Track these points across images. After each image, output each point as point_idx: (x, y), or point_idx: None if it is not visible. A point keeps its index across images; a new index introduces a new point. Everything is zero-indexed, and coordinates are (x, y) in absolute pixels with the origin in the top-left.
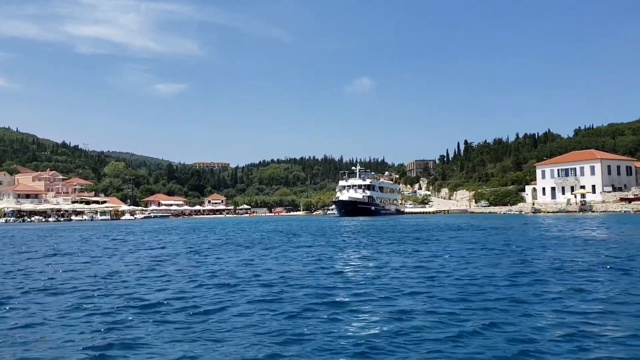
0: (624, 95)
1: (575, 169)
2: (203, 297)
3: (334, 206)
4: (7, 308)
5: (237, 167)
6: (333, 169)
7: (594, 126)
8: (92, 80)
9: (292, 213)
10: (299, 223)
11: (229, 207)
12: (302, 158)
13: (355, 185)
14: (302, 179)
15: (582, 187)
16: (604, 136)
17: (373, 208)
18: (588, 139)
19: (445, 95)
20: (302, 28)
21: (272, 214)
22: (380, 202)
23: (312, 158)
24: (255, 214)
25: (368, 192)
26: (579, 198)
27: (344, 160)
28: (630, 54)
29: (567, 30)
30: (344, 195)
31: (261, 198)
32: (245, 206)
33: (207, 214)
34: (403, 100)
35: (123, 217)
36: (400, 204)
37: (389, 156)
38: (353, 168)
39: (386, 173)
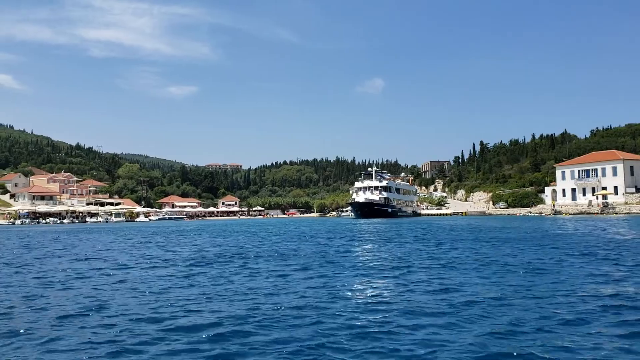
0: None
1: (596, 169)
2: None
3: (349, 208)
4: None
5: (249, 169)
6: (345, 171)
7: (612, 127)
8: (104, 82)
9: (305, 215)
10: (330, 226)
11: (242, 209)
12: (314, 160)
13: (372, 187)
14: (315, 181)
15: (604, 188)
16: (623, 136)
17: (390, 210)
18: (607, 140)
19: (458, 95)
20: (313, 29)
21: (286, 216)
22: (397, 203)
23: (324, 160)
24: (268, 215)
25: (385, 194)
26: (600, 200)
27: (357, 162)
28: None
29: (582, 29)
30: (360, 197)
31: (274, 200)
32: (259, 208)
33: (220, 216)
34: (416, 101)
35: (137, 219)
36: (417, 205)
37: (402, 157)
38: (369, 169)
39: (402, 174)
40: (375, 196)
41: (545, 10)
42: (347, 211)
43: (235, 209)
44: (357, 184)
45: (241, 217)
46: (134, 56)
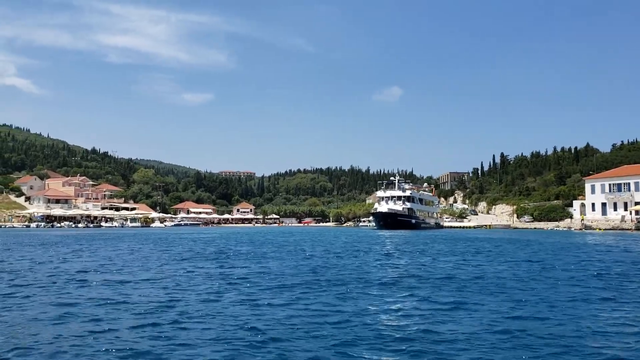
0: None
1: (629, 183)
2: None
3: (367, 218)
4: None
5: (262, 177)
6: (360, 180)
7: (638, 140)
8: (121, 88)
9: (321, 224)
10: (371, 239)
11: (257, 217)
12: (328, 168)
13: (395, 197)
14: (329, 190)
15: (637, 203)
16: None
17: (414, 221)
18: (634, 154)
19: (476, 105)
20: (329, 37)
21: (302, 224)
22: (420, 214)
23: (338, 169)
24: (284, 224)
25: (408, 204)
26: (634, 215)
27: (371, 172)
28: None
29: (601, 40)
30: (382, 207)
31: (290, 208)
32: (274, 215)
33: (235, 223)
34: (434, 110)
35: (153, 225)
36: (439, 217)
37: (417, 168)
38: (392, 178)
39: (424, 184)
40: (398, 206)
41: (567, 22)
42: (364, 221)
43: (251, 216)
44: (380, 193)
45: (256, 224)
46: (151, 63)
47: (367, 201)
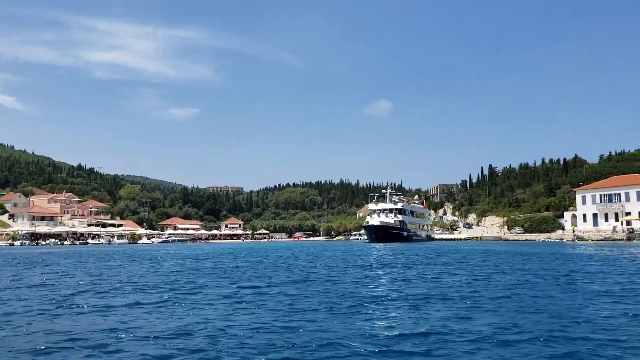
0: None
1: (619, 194)
2: None
3: (362, 231)
4: None
5: (251, 191)
6: (350, 194)
7: (625, 151)
8: (107, 104)
9: (312, 238)
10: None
11: (246, 232)
12: (318, 182)
13: (387, 209)
14: (319, 204)
15: (628, 213)
16: (638, 161)
17: (405, 234)
18: (623, 164)
19: (464, 118)
20: (317, 52)
21: (292, 239)
22: (412, 227)
23: (328, 182)
24: (274, 239)
25: (400, 217)
26: (625, 225)
27: (361, 185)
28: None
29: (589, 53)
30: (374, 220)
31: (280, 222)
32: (264, 231)
33: (224, 239)
34: (422, 123)
35: (140, 241)
36: (429, 229)
37: (406, 180)
38: (383, 191)
39: (415, 197)
40: (390, 219)
41: (553, 36)
42: (355, 234)
43: (239, 232)
44: (371, 206)
45: (245, 240)
46: (138, 78)
47: (358, 214)
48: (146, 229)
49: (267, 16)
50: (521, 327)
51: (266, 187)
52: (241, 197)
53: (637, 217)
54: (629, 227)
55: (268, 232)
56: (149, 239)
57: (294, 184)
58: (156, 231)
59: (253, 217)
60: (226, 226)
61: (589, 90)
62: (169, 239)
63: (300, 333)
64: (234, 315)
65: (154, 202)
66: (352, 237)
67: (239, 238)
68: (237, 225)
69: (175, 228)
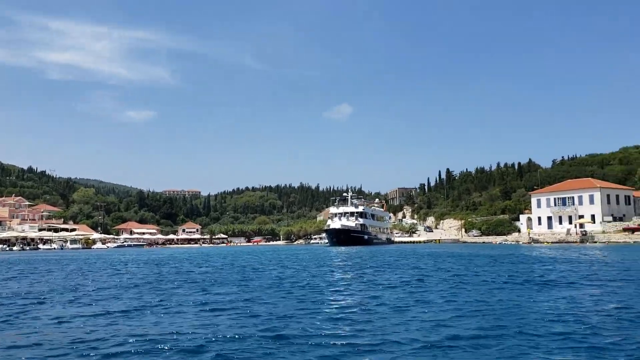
0: (583, 127)
1: (573, 197)
2: None
3: (322, 235)
4: None
5: (209, 195)
6: (310, 197)
7: (577, 156)
8: (60, 105)
9: (271, 242)
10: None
11: (204, 236)
12: (277, 186)
13: (348, 213)
14: (279, 208)
15: (581, 216)
16: (590, 165)
17: (366, 237)
18: (575, 169)
19: (423, 122)
20: (279, 54)
21: (251, 244)
22: (373, 230)
23: (288, 186)
24: (232, 243)
25: (361, 220)
26: (578, 228)
27: (321, 188)
28: (601, 93)
29: (538, 59)
30: (335, 224)
31: (238, 227)
32: (222, 235)
33: (181, 244)
34: (382, 127)
35: (94, 246)
36: (389, 232)
37: (366, 184)
38: (345, 194)
39: (376, 200)
40: (351, 222)
41: (504, 44)
42: (316, 238)
43: (197, 236)
44: (332, 210)
45: (203, 244)
46: (92, 79)
47: (318, 218)
48: (101, 233)
49: (226, 20)
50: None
51: (224, 191)
52: (199, 201)
53: (590, 220)
54: (582, 229)
55: (227, 236)
56: (103, 243)
57: (253, 187)
58: (111, 236)
59: (211, 222)
60: (183, 230)
61: (542, 97)
62: (124, 243)
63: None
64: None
65: (109, 206)
66: (312, 241)
67: (196, 243)
68: (194, 230)
69: (131, 232)
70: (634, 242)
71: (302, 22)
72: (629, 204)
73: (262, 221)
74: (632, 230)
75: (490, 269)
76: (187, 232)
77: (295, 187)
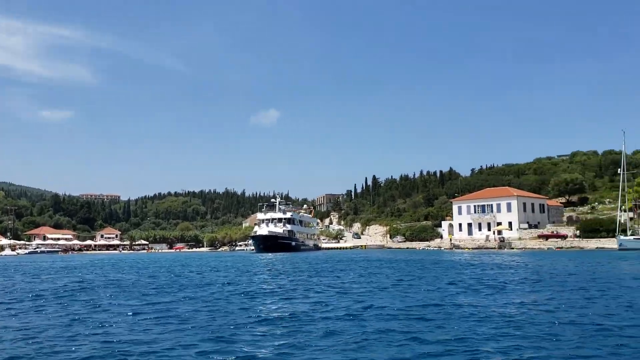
0: (498, 139)
1: (492, 205)
2: None
3: (248, 242)
4: None
5: (129, 200)
6: (235, 204)
7: (495, 165)
8: None
9: (195, 249)
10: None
11: (124, 243)
12: (201, 191)
13: (275, 219)
14: (202, 214)
15: (499, 223)
16: (507, 175)
17: (294, 243)
18: (493, 178)
19: (349, 129)
20: (206, 58)
21: (173, 250)
22: (300, 236)
23: (212, 191)
24: (153, 250)
25: (289, 226)
26: (496, 235)
27: (247, 194)
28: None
29: (462, 76)
30: (263, 230)
31: (160, 233)
32: (143, 241)
33: (99, 250)
34: (309, 133)
35: (3, 253)
36: (317, 238)
37: (293, 190)
38: (272, 200)
39: (304, 206)
40: (279, 229)
41: (429, 55)
42: (241, 245)
43: (116, 242)
44: (260, 216)
45: (123, 251)
46: (4, 75)
47: (244, 224)
48: (10, 239)
49: (151, 20)
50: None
51: (145, 196)
52: (118, 205)
53: (507, 227)
54: (500, 236)
55: (147, 242)
56: (13, 249)
57: (175, 192)
58: (22, 241)
59: (131, 227)
60: (102, 236)
61: (464, 107)
62: (37, 249)
63: None
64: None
65: (20, 210)
66: (237, 248)
67: (115, 249)
68: (113, 235)
69: (45, 238)
70: (548, 248)
71: (229, 26)
72: (543, 212)
73: (185, 227)
74: (546, 237)
75: (408, 270)
76: (105, 237)
77: (220, 193)
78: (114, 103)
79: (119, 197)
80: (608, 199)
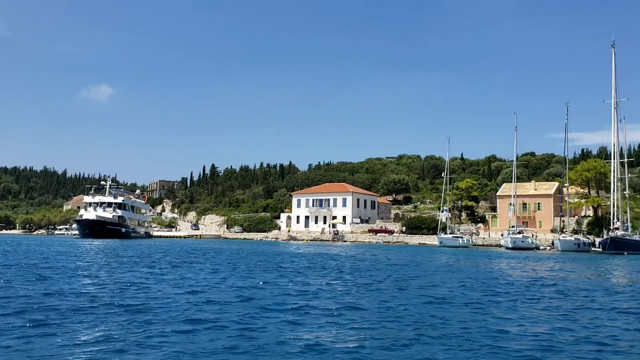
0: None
1: (329, 200)
2: None
3: (70, 225)
4: None
5: None
6: (55, 184)
7: (332, 162)
8: None
9: (4, 231)
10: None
11: None
12: (15, 168)
13: (105, 203)
14: (15, 192)
15: (334, 217)
16: (342, 172)
17: (124, 230)
18: (330, 174)
19: (187, 116)
20: (32, 21)
21: None
22: (131, 223)
23: (28, 169)
24: None
25: (119, 212)
26: (331, 228)
27: (68, 175)
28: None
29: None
30: (90, 214)
31: None
32: None
33: None
34: (145, 115)
35: None
36: (149, 226)
37: (122, 174)
38: (103, 183)
39: (137, 192)
40: (108, 214)
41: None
42: (62, 229)
43: None
44: (87, 199)
45: None
46: None
47: (66, 207)
48: None
49: None
50: None
51: None
52: None
53: (342, 221)
54: (335, 229)
55: None
56: None
57: None
58: None
59: None
60: None
61: (306, 106)
62: None
63: None
64: None
65: None
66: (57, 232)
67: None
68: None
69: None
70: (376, 242)
71: None
72: (374, 208)
73: None
74: (376, 232)
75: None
76: None
77: (38, 171)
78: None
79: None
80: (429, 200)
